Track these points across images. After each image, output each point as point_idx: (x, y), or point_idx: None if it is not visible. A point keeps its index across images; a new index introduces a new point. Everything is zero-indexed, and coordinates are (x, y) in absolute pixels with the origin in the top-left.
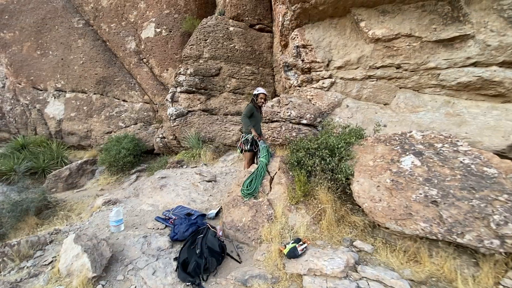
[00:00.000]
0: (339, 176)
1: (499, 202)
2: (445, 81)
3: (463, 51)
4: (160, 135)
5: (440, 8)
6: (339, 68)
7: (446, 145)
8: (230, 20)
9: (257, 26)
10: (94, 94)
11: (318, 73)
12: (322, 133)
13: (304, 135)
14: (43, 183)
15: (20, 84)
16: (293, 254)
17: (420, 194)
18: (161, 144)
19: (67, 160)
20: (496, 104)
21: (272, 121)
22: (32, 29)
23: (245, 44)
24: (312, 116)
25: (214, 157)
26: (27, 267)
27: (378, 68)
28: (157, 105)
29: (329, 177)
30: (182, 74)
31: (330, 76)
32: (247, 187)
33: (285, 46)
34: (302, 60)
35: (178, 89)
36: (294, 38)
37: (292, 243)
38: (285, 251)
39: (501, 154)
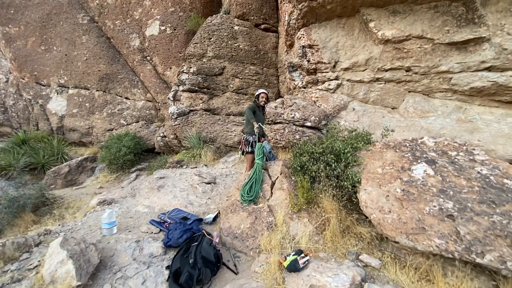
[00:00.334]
0: (345, 183)
1: None
2: (457, 86)
3: (478, 54)
4: (161, 134)
5: (454, 9)
6: (346, 69)
7: (461, 154)
8: (235, 19)
9: (262, 26)
10: (97, 91)
11: (324, 74)
12: (328, 137)
13: (308, 138)
14: (42, 179)
15: (23, 79)
16: (294, 268)
17: (434, 206)
18: (161, 143)
19: (68, 156)
20: (510, 111)
21: (275, 123)
22: (37, 24)
23: (249, 44)
24: (317, 118)
25: (215, 158)
26: (11, 271)
27: (386, 70)
28: (159, 104)
29: (334, 184)
30: (185, 72)
31: (336, 78)
32: (247, 193)
33: (291, 46)
34: (308, 61)
35: (181, 88)
36: (300, 38)
37: (293, 254)
38: (286, 263)
39: None
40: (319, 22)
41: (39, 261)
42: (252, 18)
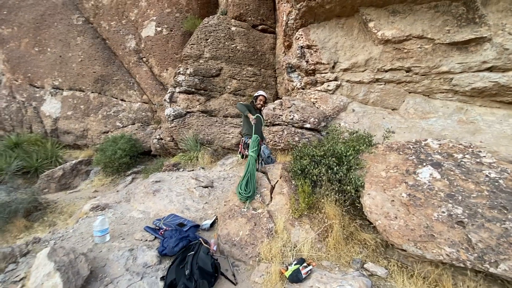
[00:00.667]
0: (348, 187)
1: None
2: (458, 86)
3: (479, 54)
4: (157, 136)
5: (454, 9)
6: (345, 70)
7: (467, 156)
8: (233, 20)
9: (259, 27)
10: (92, 92)
11: (323, 75)
12: (329, 139)
13: (308, 140)
14: (35, 183)
15: (17, 81)
16: (296, 278)
17: (443, 212)
18: (158, 145)
19: (62, 159)
20: None
21: (274, 125)
22: (30, 25)
23: (247, 45)
24: (316, 120)
25: (212, 161)
26: None
27: (386, 71)
28: (155, 105)
29: (336, 189)
30: (182, 74)
31: (335, 79)
32: (244, 189)
33: (289, 47)
34: (307, 61)
35: (177, 89)
36: (298, 38)
37: (295, 264)
38: (287, 273)
39: None
40: (317, 22)
41: (25, 272)
42: (250, 19)
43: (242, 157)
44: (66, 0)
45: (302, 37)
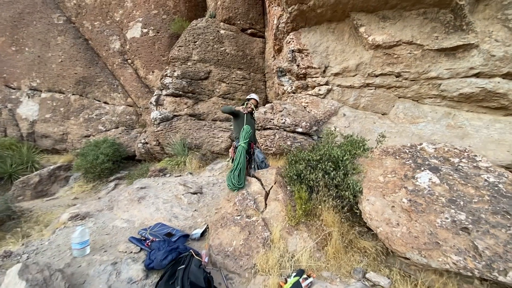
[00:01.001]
0: (346, 193)
1: None
2: (446, 92)
3: (466, 61)
4: (143, 140)
5: (442, 16)
6: (336, 74)
7: (463, 160)
8: (221, 23)
9: (249, 31)
10: (73, 94)
11: (314, 79)
12: (324, 143)
13: (300, 144)
14: (9, 190)
15: None
16: None
17: (447, 218)
18: (143, 150)
19: (39, 165)
20: (498, 117)
21: (265, 128)
22: (7, 23)
23: (236, 48)
24: (308, 124)
25: (201, 166)
26: None
27: (377, 76)
28: (141, 109)
29: (334, 194)
30: (169, 76)
31: (326, 83)
32: (237, 181)
33: (279, 51)
34: (298, 65)
35: (164, 92)
36: (289, 42)
37: (294, 276)
38: (286, 286)
39: (507, 169)
40: (308, 26)
41: None
42: (239, 22)
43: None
44: None
45: (293, 41)
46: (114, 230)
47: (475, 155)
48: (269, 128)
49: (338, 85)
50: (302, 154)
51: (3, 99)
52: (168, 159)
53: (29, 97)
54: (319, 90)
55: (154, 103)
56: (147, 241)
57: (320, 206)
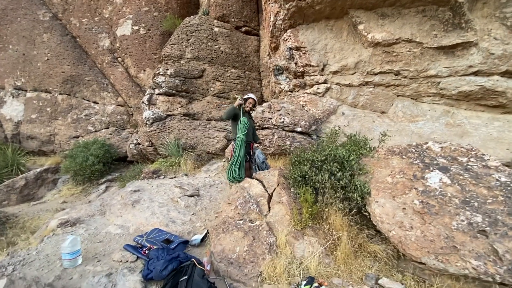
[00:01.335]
0: (354, 195)
1: None
2: (445, 90)
3: (465, 59)
4: (135, 141)
5: (441, 13)
6: (334, 73)
7: (472, 160)
8: (215, 21)
9: (243, 29)
10: (60, 94)
11: (312, 77)
12: (328, 143)
13: (299, 143)
14: None
15: None
16: None
17: (462, 221)
18: (135, 151)
19: (25, 167)
20: (496, 115)
21: (263, 128)
22: None
23: (230, 46)
24: (307, 123)
25: (196, 167)
26: None
27: (376, 74)
28: (132, 108)
29: (341, 196)
30: (162, 74)
31: (325, 81)
32: (238, 174)
33: (275, 48)
34: (295, 63)
35: (156, 91)
36: (286, 39)
37: (304, 284)
38: None
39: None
40: (306, 24)
41: None
42: (233, 20)
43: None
44: None
45: (290, 38)
46: (107, 237)
47: (483, 154)
48: (267, 128)
49: (336, 84)
50: (306, 154)
51: None
52: (161, 160)
53: (13, 97)
54: (318, 88)
55: (147, 103)
56: (144, 249)
57: (326, 209)
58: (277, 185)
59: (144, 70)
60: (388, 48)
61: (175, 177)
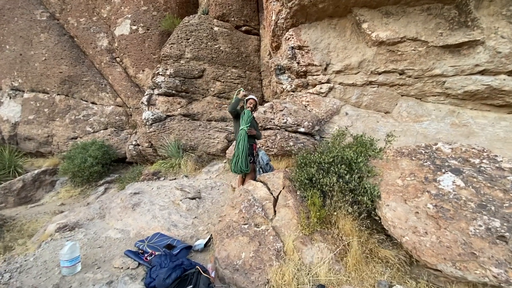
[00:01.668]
0: (363, 198)
1: None
2: (450, 89)
3: (472, 58)
4: (134, 142)
5: (446, 12)
6: (338, 72)
7: (484, 161)
8: (215, 20)
9: (243, 28)
10: (58, 94)
11: (315, 77)
12: (335, 144)
13: (303, 144)
14: None
15: None
16: None
17: (480, 226)
18: (134, 152)
19: (22, 169)
20: (503, 114)
21: (265, 129)
22: None
23: (231, 46)
24: (310, 124)
25: (196, 168)
26: None
27: (380, 73)
28: (131, 109)
29: (350, 200)
30: (161, 74)
31: (328, 81)
32: (246, 166)
33: (277, 48)
34: (298, 63)
35: (156, 91)
36: (288, 38)
37: None
38: None
39: None
40: (309, 22)
41: None
42: (233, 19)
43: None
44: None
45: (292, 38)
46: (107, 242)
47: (496, 155)
48: (270, 128)
49: (340, 83)
50: (313, 156)
51: None
52: (161, 162)
53: (10, 98)
54: (321, 88)
55: (146, 103)
56: (146, 255)
57: (335, 213)
58: (283, 188)
59: (143, 70)
60: (392, 47)
61: (175, 178)
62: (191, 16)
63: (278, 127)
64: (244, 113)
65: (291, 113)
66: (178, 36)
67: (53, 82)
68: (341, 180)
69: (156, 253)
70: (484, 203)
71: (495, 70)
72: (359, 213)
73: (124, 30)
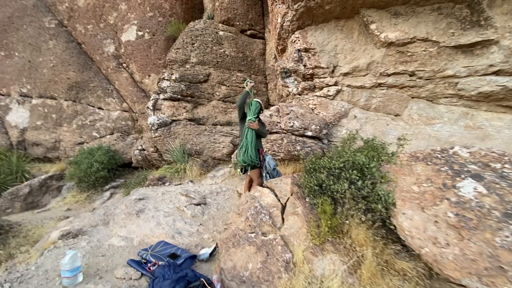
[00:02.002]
0: (377, 206)
1: None
2: (464, 91)
3: (485, 58)
4: (139, 147)
5: (458, 11)
6: (345, 74)
7: (507, 166)
8: (220, 24)
9: (248, 32)
10: (65, 100)
11: (322, 79)
12: (345, 148)
13: (310, 149)
14: None
15: None
16: None
17: (507, 236)
18: (140, 157)
19: (29, 174)
20: None
21: (272, 133)
22: None
23: (236, 50)
24: (318, 127)
25: (202, 173)
26: None
27: (389, 75)
28: (136, 114)
29: (363, 207)
30: (166, 79)
31: (335, 84)
32: (256, 157)
33: (283, 51)
34: (304, 65)
35: (161, 96)
36: (294, 41)
37: None
38: None
39: None
40: (315, 24)
41: None
42: (238, 23)
43: (241, 171)
44: (37, 2)
45: (299, 40)
46: (110, 250)
47: None
48: (276, 132)
49: (348, 86)
50: (322, 161)
51: None
52: (167, 167)
53: (19, 104)
54: (328, 91)
55: (151, 108)
56: (149, 265)
57: (347, 222)
58: (291, 195)
59: (149, 75)
60: (402, 48)
61: (180, 183)
62: (196, 21)
63: (285, 131)
64: (251, 103)
65: (297, 117)
66: (183, 41)
67: (61, 88)
68: (353, 187)
69: (160, 263)
70: (510, 212)
71: (511, 70)
72: (372, 221)
73: (131, 36)
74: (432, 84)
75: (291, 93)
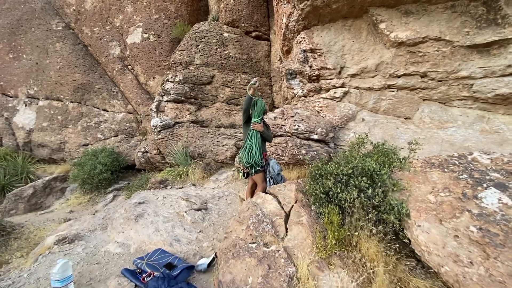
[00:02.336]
0: (390, 217)
1: None
2: (479, 93)
3: (503, 58)
4: (142, 149)
5: (473, 9)
6: (353, 76)
7: None
8: (225, 26)
9: (253, 34)
10: (71, 102)
11: (328, 81)
12: (354, 153)
13: (316, 153)
14: (1, 203)
15: None
16: None
17: None
18: (143, 159)
19: (34, 176)
20: None
21: (276, 136)
22: (5, 30)
23: (240, 52)
24: (324, 130)
25: (204, 176)
26: None
27: (399, 76)
28: (141, 116)
29: (374, 218)
30: (170, 81)
31: (342, 85)
32: (260, 159)
33: (288, 52)
34: (310, 67)
35: (165, 98)
36: (300, 41)
37: None
38: None
39: None
40: (322, 24)
41: None
42: (243, 25)
43: (244, 175)
44: (45, 5)
45: (304, 40)
46: (106, 257)
47: None
48: (280, 135)
49: (355, 87)
50: (329, 166)
51: None
52: (169, 169)
53: (26, 105)
54: (335, 93)
55: (155, 110)
56: (144, 275)
57: (356, 233)
58: (295, 202)
59: (154, 77)
60: (413, 48)
61: (182, 187)
62: (201, 23)
63: (289, 134)
64: (256, 103)
65: (303, 119)
66: (188, 42)
67: (67, 90)
68: (362, 195)
69: (155, 273)
70: None
71: None
72: (384, 234)
73: (136, 38)
74: (445, 85)
75: (296, 95)
